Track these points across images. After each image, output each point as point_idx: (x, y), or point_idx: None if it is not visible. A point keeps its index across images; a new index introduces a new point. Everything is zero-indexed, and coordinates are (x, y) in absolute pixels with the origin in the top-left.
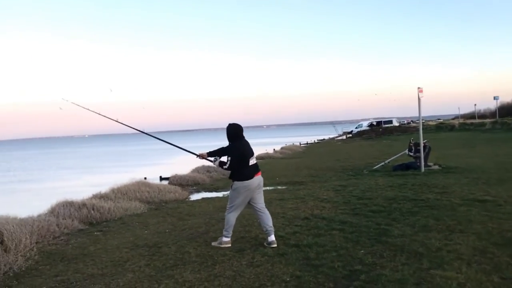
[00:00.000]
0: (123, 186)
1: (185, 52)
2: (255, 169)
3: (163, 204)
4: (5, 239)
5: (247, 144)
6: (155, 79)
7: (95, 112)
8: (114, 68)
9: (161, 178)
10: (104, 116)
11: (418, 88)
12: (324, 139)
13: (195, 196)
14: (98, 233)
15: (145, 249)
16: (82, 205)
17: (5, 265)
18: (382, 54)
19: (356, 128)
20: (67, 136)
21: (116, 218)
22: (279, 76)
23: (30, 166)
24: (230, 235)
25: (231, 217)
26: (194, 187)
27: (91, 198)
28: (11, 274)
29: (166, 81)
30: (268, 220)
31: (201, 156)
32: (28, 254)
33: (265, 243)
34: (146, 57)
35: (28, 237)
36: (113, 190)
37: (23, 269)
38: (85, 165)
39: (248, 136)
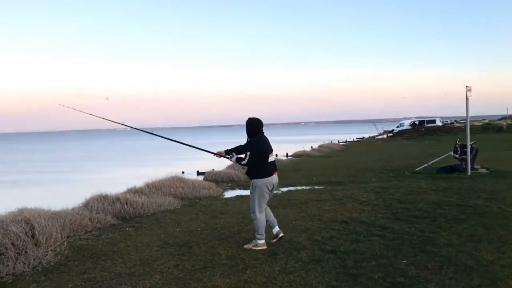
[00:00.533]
0: (157, 181)
1: (221, 42)
2: (274, 167)
3: (197, 200)
4: (36, 232)
5: (267, 140)
6: (194, 70)
7: (90, 114)
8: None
9: (198, 173)
10: (97, 116)
11: (467, 86)
12: (363, 137)
13: (229, 194)
14: (129, 229)
15: (175, 248)
16: (116, 199)
17: (34, 259)
18: (425, 51)
19: (397, 127)
20: (110, 129)
21: (149, 214)
22: (318, 72)
23: (73, 157)
24: (264, 236)
25: (261, 217)
26: (229, 184)
27: (125, 192)
28: (40, 269)
29: (201, 73)
30: (270, 214)
31: (218, 154)
32: (58, 249)
33: (272, 239)
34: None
35: (59, 231)
36: (147, 185)
37: (52, 264)
38: (126, 157)
39: (285, 133)
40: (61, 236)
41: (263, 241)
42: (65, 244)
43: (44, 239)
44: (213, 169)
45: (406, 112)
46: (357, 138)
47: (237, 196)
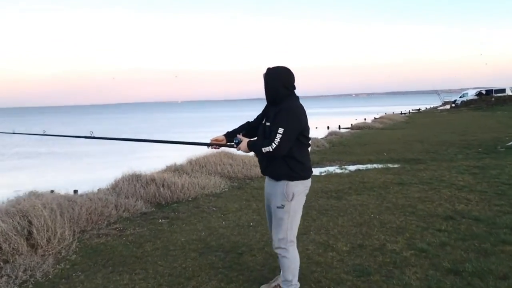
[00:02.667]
0: (202, 157)
1: (263, 17)
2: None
3: (248, 181)
4: (34, 231)
5: (304, 110)
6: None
7: None
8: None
9: None
10: None
11: None
12: (419, 109)
13: None
14: (163, 220)
15: (219, 256)
16: (151, 180)
17: (25, 270)
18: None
19: (460, 97)
20: (161, 102)
21: (189, 199)
22: (370, 43)
23: (123, 128)
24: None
25: (296, 252)
26: None
27: (162, 172)
28: (30, 285)
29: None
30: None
31: (215, 145)
32: (63, 252)
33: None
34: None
35: (68, 225)
36: (190, 162)
37: (49, 276)
38: (176, 130)
39: (335, 105)
40: (72, 233)
41: None
42: (75, 244)
43: (45, 239)
44: None
45: (463, 82)
46: (412, 110)
47: None
